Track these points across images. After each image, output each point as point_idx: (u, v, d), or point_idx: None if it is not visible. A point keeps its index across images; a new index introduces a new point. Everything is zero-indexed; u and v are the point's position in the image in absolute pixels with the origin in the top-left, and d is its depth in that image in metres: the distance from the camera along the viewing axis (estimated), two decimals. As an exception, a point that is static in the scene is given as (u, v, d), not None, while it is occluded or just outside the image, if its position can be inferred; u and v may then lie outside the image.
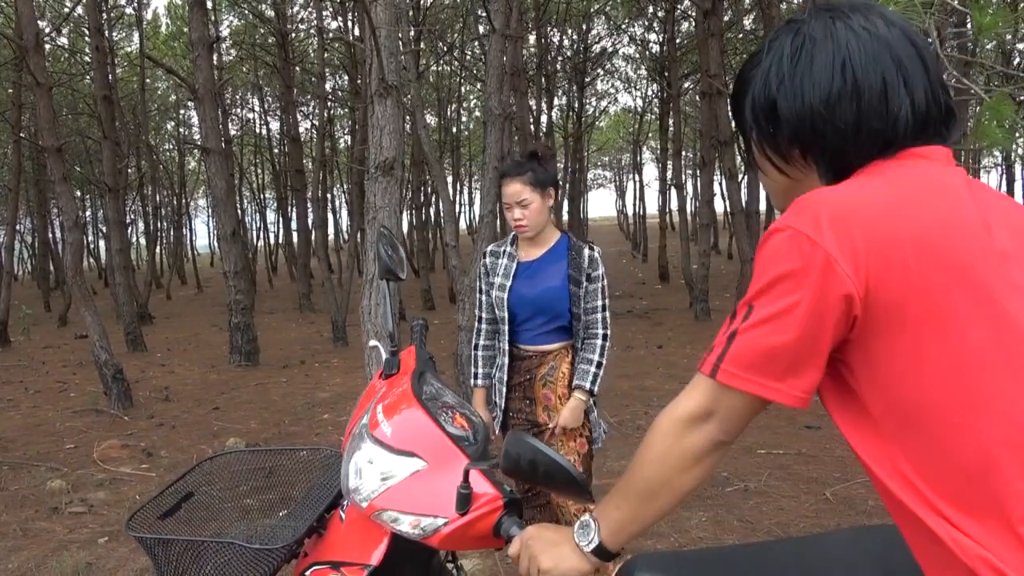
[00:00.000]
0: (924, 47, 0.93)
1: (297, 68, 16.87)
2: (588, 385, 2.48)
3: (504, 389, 2.61)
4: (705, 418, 0.94)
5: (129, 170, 16.55)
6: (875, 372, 0.85)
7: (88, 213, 28.07)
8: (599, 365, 2.50)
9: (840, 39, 0.93)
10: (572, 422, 2.49)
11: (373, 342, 1.71)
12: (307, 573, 1.37)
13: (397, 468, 1.28)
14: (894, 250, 0.82)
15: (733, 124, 1.14)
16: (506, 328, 2.59)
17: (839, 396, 0.92)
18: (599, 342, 2.52)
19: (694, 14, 12.49)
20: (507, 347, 2.61)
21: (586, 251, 2.53)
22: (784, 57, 0.97)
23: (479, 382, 2.69)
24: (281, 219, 26.17)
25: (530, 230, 2.52)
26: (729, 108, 1.10)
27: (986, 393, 0.80)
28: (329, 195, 24.34)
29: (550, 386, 2.56)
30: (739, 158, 12.86)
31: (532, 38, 16.37)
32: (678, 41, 16.21)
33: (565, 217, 22.54)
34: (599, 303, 2.53)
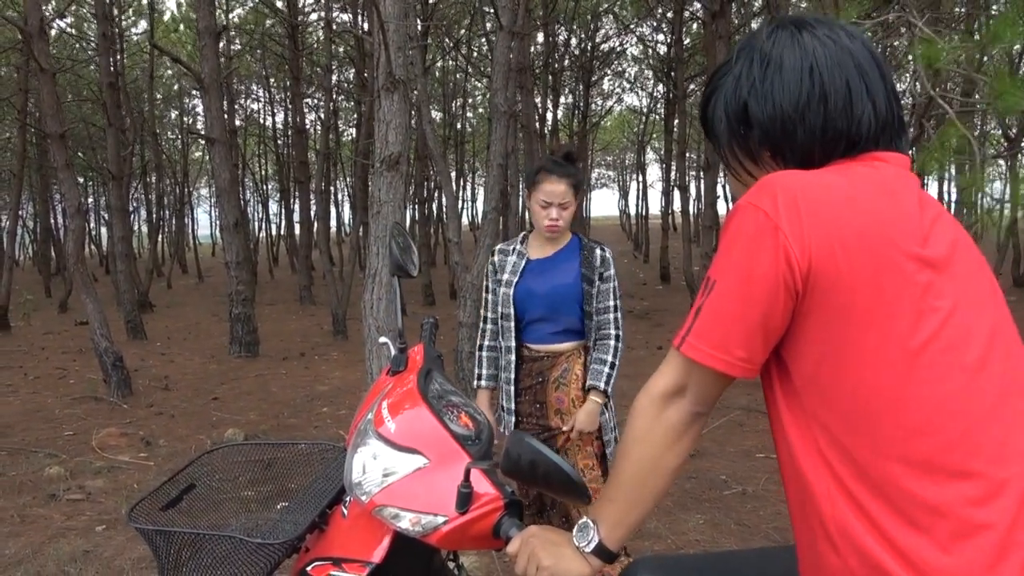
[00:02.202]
0: (881, 59, 1.00)
1: (303, 60, 16.83)
2: (603, 386, 2.43)
3: (513, 391, 2.54)
4: (679, 392, 1.00)
5: (133, 158, 16.52)
6: (806, 348, 0.91)
7: (91, 200, 28.07)
8: (613, 366, 2.46)
9: (807, 46, 0.99)
10: (589, 425, 2.43)
11: (383, 339, 1.71)
12: (308, 569, 1.37)
13: (400, 465, 1.28)
14: (837, 235, 0.87)
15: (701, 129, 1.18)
16: (512, 325, 2.53)
17: (778, 372, 0.97)
18: (612, 343, 2.48)
19: (702, 16, 12.48)
20: (514, 345, 2.54)
21: (598, 251, 2.51)
22: (755, 63, 1.02)
23: (482, 383, 2.62)
24: (283, 210, 26.18)
25: (561, 231, 2.49)
26: (700, 114, 1.15)
27: (893, 383, 0.86)
28: (332, 188, 24.34)
29: (563, 388, 2.48)
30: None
31: (540, 36, 16.34)
32: (685, 43, 16.18)
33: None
34: (611, 303, 2.50)
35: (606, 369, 2.45)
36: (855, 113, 0.97)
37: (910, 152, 1.07)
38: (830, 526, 0.89)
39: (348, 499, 1.41)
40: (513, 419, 2.56)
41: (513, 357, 2.54)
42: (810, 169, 0.99)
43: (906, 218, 0.90)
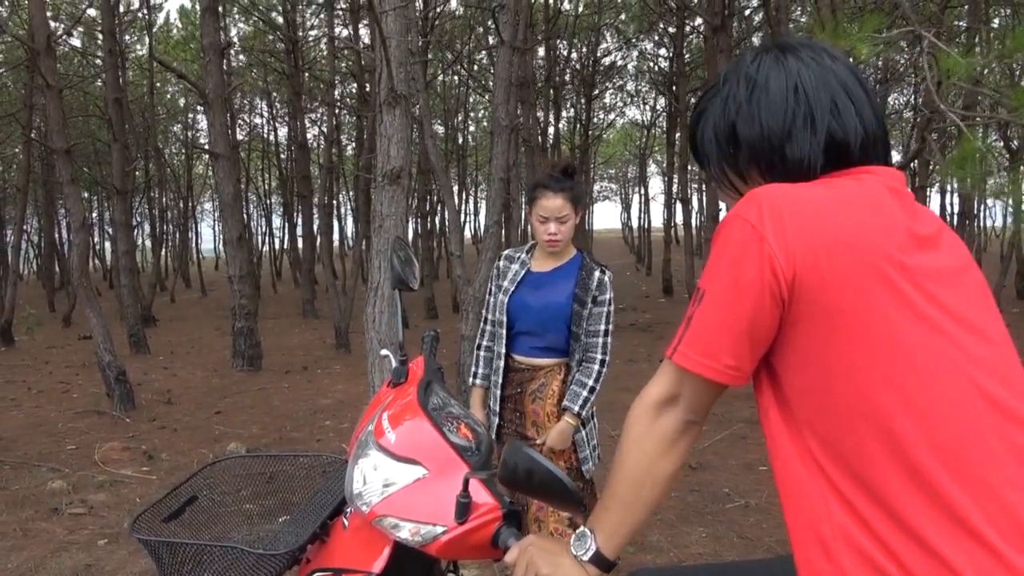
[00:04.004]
0: (864, 79, 1.04)
1: (306, 75, 16.96)
2: (576, 409, 2.45)
3: (499, 395, 2.62)
4: (672, 401, 1.02)
5: (137, 172, 16.61)
6: (794, 356, 0.93)
7: (95, 214, 28.19)
8: (592, 390, 2.47)
9: (791, 67, 1.03)
10: (560, 444, 2.47)
11: (384, 351, 1.73)
12: (309, 579, 1.38)
13: (399, 475, 1.29)
14: (820, 244, 0.89)
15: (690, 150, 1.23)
16: (503, 332, 2.60)
17: (769, 380, 0.99)
18: (596, 367, 2.48)
19: (703, 31, 12.56)
20: (503, 351, 2.60)
21: (596, 273, 2.51)
22: (741, 84, 1.06)
23: (477, 382, 2.70)
24: (287, 224, 26.26)
25: (561, 245, 2.52)
26: (688, 135, 1.19)
27: (885, 385, 0.87)
28: (335, 202, 24.43)
29: (539, 402, 2.54)
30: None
31: (541, 50, 16.45)
32: (687, 57, 16.28)
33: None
34: (602, 327, 2.50)
35: (584, 393, 2.46)
36: (845, 128, 1.00)
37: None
38: (826, 531, 0.90)
39: (349, 510, 1.42)
40: (497, 420, 2.63)
41: (501, 363, 2.61)
42: (799, 182, 1.01)
43: (891, 227, 0.92)
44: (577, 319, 2.48)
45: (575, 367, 2.52)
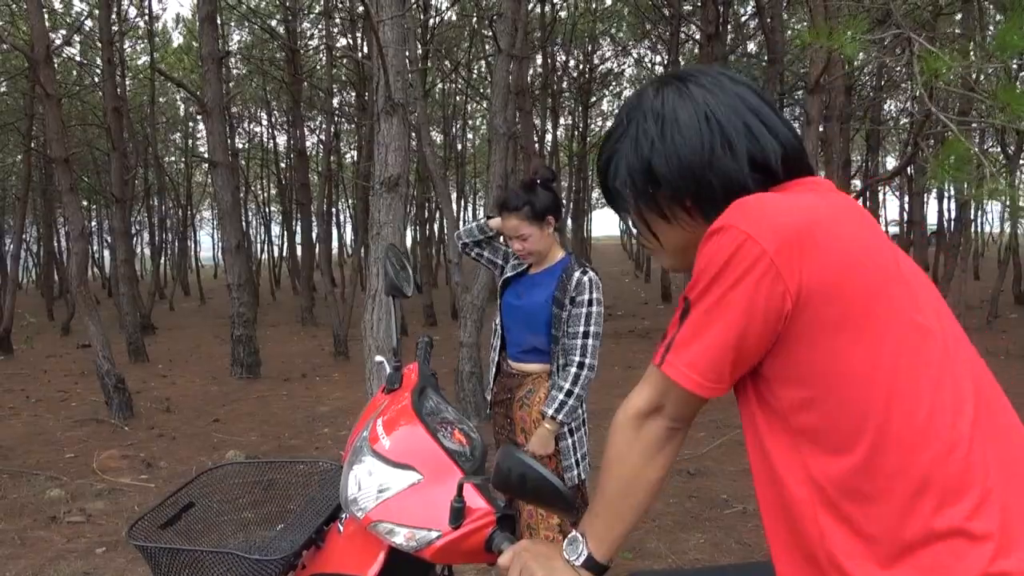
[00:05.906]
0: (769, 98, 1.03)
1: (305, 83, 17.01)
2: (551, 413, 2.39)
3: (494, 369, 2.69)
4: (657, 410, 1.02)
5: (136, 181, 16.64)
6: (795, 370, 0.91)
7: (94, 223, 28.21)
8: (569, 394, 2.39)
9: (696, 96, 1.00)
10: (540, 449, 2.44)
11: (379, 357, 1.75)
12: (304, 584, 1.39)
13: (394, 480, 1.30)
14: (824, 257, 0.87)
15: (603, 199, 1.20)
16: (501, 333, 2.67)
17: (756, 393, 0.97)
18: (574, 370, 2.41)
19: (698, 37, 12.61)
20: (498, 346, 2.67)
21: (576, 274, 2.46)
22: (649, 121, 1.01)
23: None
24: (285, 232, 26.27)
25: (532, 258, 2.55)
26: (599, 181, 1.13)
27: (882, 399, 0.86)
28: (333, 209, 24.45)
29: (526, 409, 2.55)
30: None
31: (538, 58, 16.52)
32: (682, 64, 16.33)
33: (569, 236, 22.60)
34: (581, 329, 2.43)
35: (560, 396, 2.40)
36: (763, 148, 0.98)
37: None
38: (820, 555, 0.89)
39: (344, 516, 1.43)
40: (491, 394, 2.73)
41: (499, 342, 2.68)
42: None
43: (879, 240, 0.92)
44: (556, 322, 2.45)
45: (556, 372, 2.48)
